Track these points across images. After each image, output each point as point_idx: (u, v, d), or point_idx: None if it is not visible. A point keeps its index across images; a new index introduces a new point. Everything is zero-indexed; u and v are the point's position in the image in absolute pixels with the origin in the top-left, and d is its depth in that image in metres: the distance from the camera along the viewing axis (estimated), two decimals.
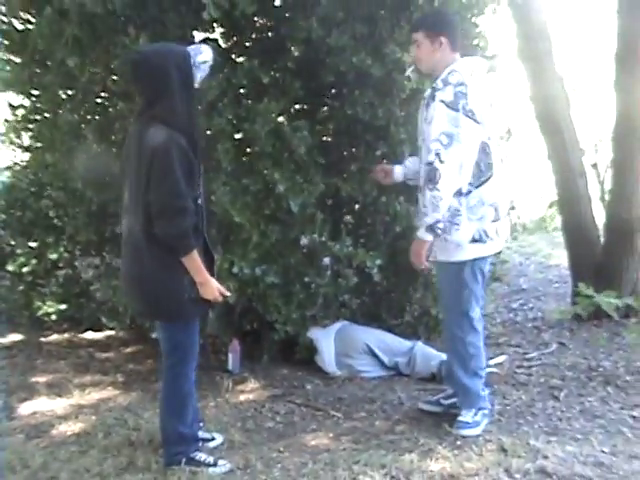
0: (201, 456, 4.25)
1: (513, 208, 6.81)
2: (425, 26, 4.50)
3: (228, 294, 4.27)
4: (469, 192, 4.34)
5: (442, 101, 4.25)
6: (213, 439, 4.67)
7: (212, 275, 4.15)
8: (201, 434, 4.58)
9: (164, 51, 3.99)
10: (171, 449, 4.23)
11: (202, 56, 4.05)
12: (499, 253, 5.62)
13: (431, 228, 4.30)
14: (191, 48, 4.09)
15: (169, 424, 4.23)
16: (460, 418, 4.66)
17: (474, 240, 4.39)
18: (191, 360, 4.22)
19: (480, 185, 4.37)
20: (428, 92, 4.48)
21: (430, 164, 4.22)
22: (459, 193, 4.32)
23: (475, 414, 4.64)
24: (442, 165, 4.18)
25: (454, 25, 4.60)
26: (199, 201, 3.99)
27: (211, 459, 4.26)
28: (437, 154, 4.19)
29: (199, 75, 4.06)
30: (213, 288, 4.06)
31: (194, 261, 3.91)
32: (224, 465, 4.23)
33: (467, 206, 4.34)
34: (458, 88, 4.26)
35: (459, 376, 4.72)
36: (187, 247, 3.87)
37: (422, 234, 4.37)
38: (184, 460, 4.17)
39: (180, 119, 3.88)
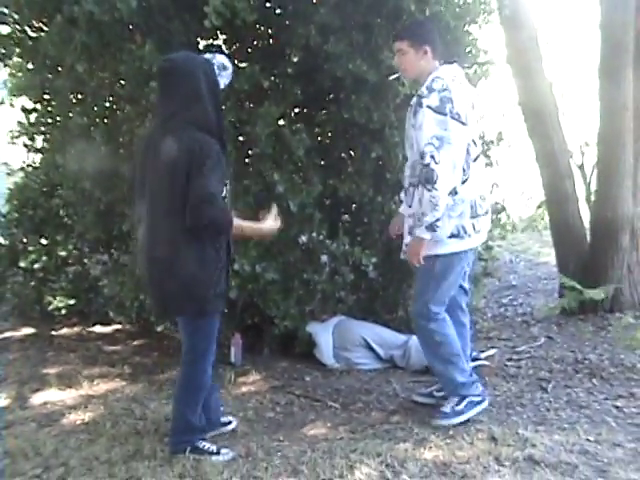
0: (205, 445, 4.34)
1: (504, 208, 6.99)
2: (410, 36, 4.63)
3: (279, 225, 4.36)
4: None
5: (429, 107, 4.37)
6: (230, 423, 4.82)
7: (228, 272, 4.30)
8: (222, 419, 4.77)
9: (191, 59, 4.15)
10: (178, 437, 4.34)
11: (220, 64, 4.19)
12: (490, 249, 5.71)
13: (431, 227, 4.41)
14: (208, 57, 4.25)
15: (180, 414, 4.33)
16: (441, 408, 4.78)
17: (452, 235, 4.52)
18: (210, 355, 4.28)
19: (462, 184, 4.49)
20: (414, 99, 4.57)
21: (427, 166, 4.32)
22: (454, 192, 4.45)
23: (457, 403, 4.72)
24: (438, 166, 4.29)
25: (435, 35, 4.73)
26: (226, 200, 4.07)
27: (214, 447, 4.33)
28: (432, 156, 4.31)
29: (222, 82, 4.19)
30: (269, 228, 4.28)
31: (238, 228, 4.06)
32: (227, 453, 4.32)
33: (448, 204, 4.45)
34: (443, 93, 4.39)
35: (432, 364, 4.89)
36: (226, 224, 3.97)
37: (421, 233, 4.47)
38: (189, 448, 4.28)
39: (210, 123, 4.01)
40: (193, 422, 4.33)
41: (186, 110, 3.98)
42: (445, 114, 4.36)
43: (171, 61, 4.12)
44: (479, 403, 4.79)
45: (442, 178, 4.33)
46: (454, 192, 4.45)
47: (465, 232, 4.56)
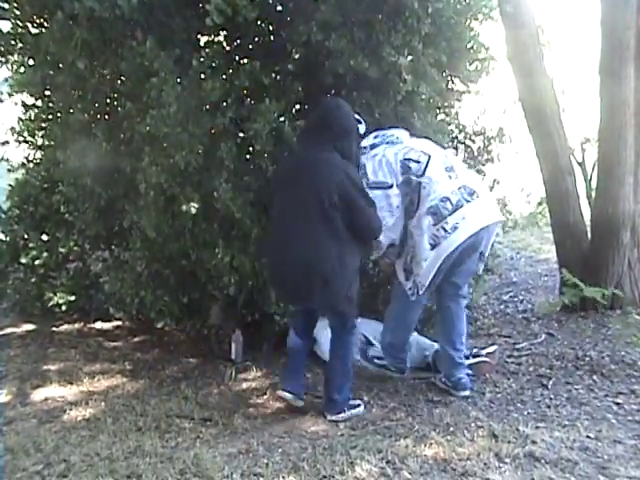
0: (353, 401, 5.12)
1: (505, 205, 7.01)
2: None
3: None
4: (411, 217, 5.12)
5: None
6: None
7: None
8: None
9: (347, 104, 5.06)
10: (345, 395, 5.03)
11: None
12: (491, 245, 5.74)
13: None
14: None
15: (340, 377, 5.07)
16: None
17: (432, 246, 5.01)
18: (353, 337, 5.18)
19: (417, 208, 5.11)
20: None
21: None
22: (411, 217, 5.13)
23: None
24: None
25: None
26: None
27: (358, 401, 5.15)
28: None
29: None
30: None
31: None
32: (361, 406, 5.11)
33: (412, 227, 5.10)
34: (360, 172, 5.06)
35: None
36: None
37: None
38: (347, 407, 5.02)
39: (352, 155, 4.93)
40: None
41: (338, 141, 4.81)
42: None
43: (337, 101, 5.11)
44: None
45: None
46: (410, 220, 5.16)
47: (438, 237, 5.02)
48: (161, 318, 6.39)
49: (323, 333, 6.04)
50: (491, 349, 5.95)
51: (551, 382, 5.44)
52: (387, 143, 5.22)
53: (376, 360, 5.80)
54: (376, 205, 4.92)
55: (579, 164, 8.18)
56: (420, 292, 5.21)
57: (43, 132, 7.34)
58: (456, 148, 6.92)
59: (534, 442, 4.25)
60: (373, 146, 5.22)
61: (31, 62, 6.36)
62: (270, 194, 5.13)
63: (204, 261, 5.63)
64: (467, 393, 5.30)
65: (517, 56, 7.37)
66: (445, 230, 4.96)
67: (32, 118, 7.22)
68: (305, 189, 4.68)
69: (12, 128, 7.52)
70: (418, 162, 5.10)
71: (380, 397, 5.37)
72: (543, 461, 3.99)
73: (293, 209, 4.75)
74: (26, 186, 7.96)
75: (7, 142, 7.88)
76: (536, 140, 7.53)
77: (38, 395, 5.61)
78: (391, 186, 5.04)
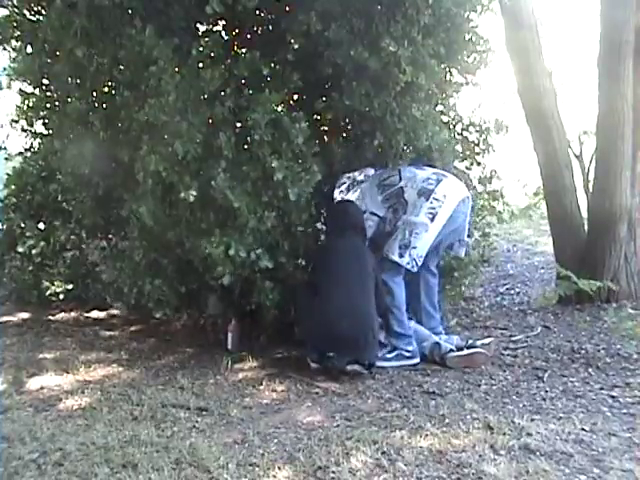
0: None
1: (502, 195, 7.03)
2: None
3: None
4: (405, 212, 6.00)
5: None
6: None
7: None
8: None
9: None
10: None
11: None
12: (487, 236, 5.80)
13: None
14: None
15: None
16: None
17: (431, 219, 5.86)
18: None
19: (407, 202, 6.01)
20: None
21: None
22: None
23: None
24: None
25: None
26: None
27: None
28: None
29: None
30: None
31: None
32: None
33: (409, 213, 5.98)
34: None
35: None
36: None
37: None
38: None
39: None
40: None
41: (363, 236, 6.03)
42: None
43: (359, 208, 6.14)
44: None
45: None
46: None
47: (434, 209, 5.88)
48: (160, 308, 6.36)
49: None
50: (487, 341, 5.97)
51: (547, 375, 5.46)
52: (358, 183, 6.36)
53: (388, 355, 5.86)
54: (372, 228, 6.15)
55: (576, 157, 8.17)
56: (419, 263, 5.85)
57: (41, 120, 7.31)
58: (453, 138, 6.94)
59: (529, 434, 4.25)
60: (350, 187, 6.37)
61: (29, 50, 6.34)
62: (317, 263, 5.93)
63: (198, 250, 5.61)
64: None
65: (516, 49, 7.38)
66: (437, 200, 5.83)
67: (30, 106, 7.18)
68: (358, 263, 5.77)
69: (10, 118, 7.50)
70: (391, 176, 6.12)
71: (375, 388, 5.35)
72: (538, 453, 3.98)
73: (351, 276, 5.68)
74: (23, 175, 7.96)
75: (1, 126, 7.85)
76: (534, 134, 7.56)
77: (34, 384, 5.57)
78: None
